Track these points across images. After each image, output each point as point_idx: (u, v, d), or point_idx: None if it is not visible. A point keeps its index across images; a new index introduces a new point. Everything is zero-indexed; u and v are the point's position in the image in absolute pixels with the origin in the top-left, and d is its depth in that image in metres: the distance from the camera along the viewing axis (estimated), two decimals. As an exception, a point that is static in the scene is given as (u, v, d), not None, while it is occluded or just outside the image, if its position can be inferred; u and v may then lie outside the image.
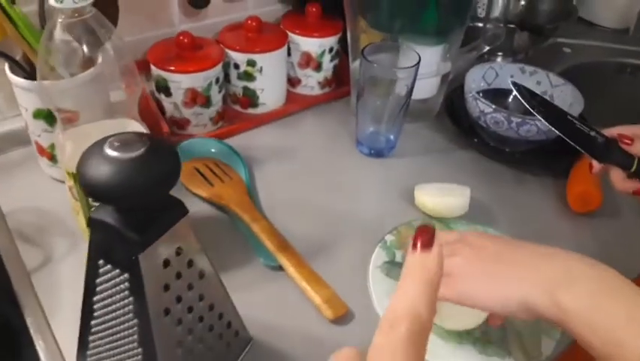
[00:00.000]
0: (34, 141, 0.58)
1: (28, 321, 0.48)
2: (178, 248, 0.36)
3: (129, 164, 0.31)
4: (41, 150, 0.59)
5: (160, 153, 0.32)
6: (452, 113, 0.74)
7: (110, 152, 0.31)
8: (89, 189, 0.31)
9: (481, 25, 0.77)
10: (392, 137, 0.70)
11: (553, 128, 0.56)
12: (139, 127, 0.47)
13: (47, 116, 0.55)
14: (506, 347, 0.47)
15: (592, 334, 0.35)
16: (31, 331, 0.48)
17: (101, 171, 0.30)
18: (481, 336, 0.48)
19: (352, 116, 0.71)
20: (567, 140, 0.56)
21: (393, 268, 0.53)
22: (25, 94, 0.54)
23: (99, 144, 0.31)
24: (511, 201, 0.65)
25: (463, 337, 0.48)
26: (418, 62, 0.63)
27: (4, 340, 0.52)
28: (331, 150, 0.71)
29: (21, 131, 0.62)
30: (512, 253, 0.42)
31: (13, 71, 0.54)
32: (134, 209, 0.33)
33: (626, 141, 0.54)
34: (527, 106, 0.58)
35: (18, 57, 0.54)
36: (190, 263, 0.38)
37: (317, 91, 0.79)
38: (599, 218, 0.63)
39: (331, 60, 0.77)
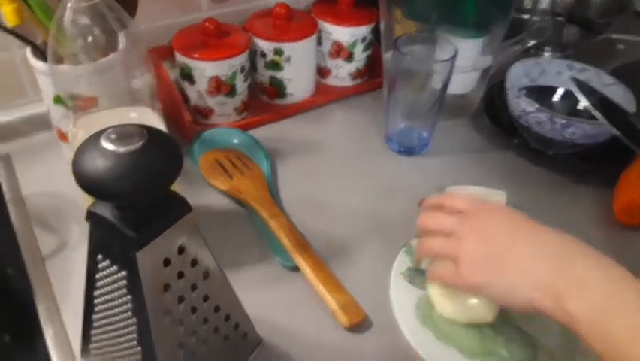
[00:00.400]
0: (55, 125, 0.58)
1: (40, 308, 0.48)
2: (180, 246, 0.34)
3: (126, 158, 0.29)
4: (62, 135, 0.58)
5: (159, 147, 0.30)
6: (491, 110, 0.70)
7: (107, 145, 0.29)
8: (83, 184, 0.29)
9: (526, 17, 0.71)
10: (425, 134, 0.66)
11: (615, 131, 0.52)
12: (153, 115, 0.45)
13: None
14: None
15: (600, 343, 0.34)
16: (41, 318, 0.47)
17: (96, 165, 0.29)
18: (509, 356, 0.44)
19: (384, 111, 0.67)
20: (629, 144, 0.51)
21: (416, 275, 0.50)
22: (46, 79, 0.53)
23: (96, 137, 0.29)
24: (551, 209, 0.60)
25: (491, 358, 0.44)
26: (455, 55, 0.59)
27: (18, 324, 0.52)
28: (359, 145, 0.68)
29: (46, 114, 0.61)
30: (522, 242, 0.40)
31: (35, 55, 0.53)
32: (131, 205, 0.31)
33: None
34: (587, 103, 0.54)
35: (39, 42, 0.53)
36: (194, 262, 0.36)
37: (348, 82, 0.76)
38: (648, 232, 0.57)
39: (364, 50, 0.73)
